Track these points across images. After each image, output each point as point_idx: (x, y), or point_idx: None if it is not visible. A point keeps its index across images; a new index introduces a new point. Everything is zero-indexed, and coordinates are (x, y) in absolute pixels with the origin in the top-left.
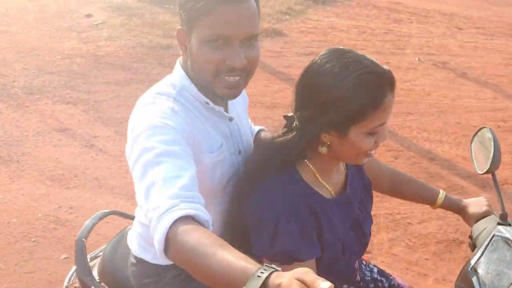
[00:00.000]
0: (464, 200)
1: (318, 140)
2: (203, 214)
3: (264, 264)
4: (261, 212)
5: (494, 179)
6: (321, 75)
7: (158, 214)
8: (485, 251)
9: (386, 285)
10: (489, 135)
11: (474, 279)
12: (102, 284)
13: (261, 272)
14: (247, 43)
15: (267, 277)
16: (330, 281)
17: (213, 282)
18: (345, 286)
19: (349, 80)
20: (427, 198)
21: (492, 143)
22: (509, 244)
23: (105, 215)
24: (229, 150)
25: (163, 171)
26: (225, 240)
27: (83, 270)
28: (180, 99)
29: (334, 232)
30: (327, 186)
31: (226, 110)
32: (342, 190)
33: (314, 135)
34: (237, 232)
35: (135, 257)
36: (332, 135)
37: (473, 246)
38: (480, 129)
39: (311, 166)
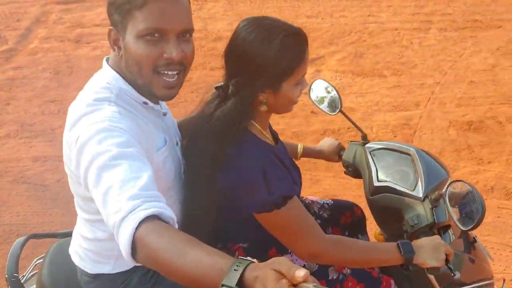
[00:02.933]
0: (316, 146)
1: (256, 100)
2: (168, 212)
3: (239, 257)
4: (246, 174)
5: (345, 115)
6: (249, 44)
7: (120, 217)
8: (376, 165)
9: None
10: (325, 84)
11: (390, 184)
12: None
13: (237, 266)
14: (183, 38)
15: (243, 270)
16: None
17: (188, 281)
18: None
19: (275, 44)
20: (291, 153)
21: (333, 89)
22: (384, 150)
23: (24, 242)
24: (170, 143)
25: (120, 174)
26: (189, 225)
27: None
28: (120, 102)
29: (292, 172)
30: (269, 137)
31: (160, 106)
32: (275, 139)
33: (252, 96)
34: (203, 215)
35: (90, 275)
36: (267, 93)
37: (355, 171)
38: (313, 82)
39: (256, 124)
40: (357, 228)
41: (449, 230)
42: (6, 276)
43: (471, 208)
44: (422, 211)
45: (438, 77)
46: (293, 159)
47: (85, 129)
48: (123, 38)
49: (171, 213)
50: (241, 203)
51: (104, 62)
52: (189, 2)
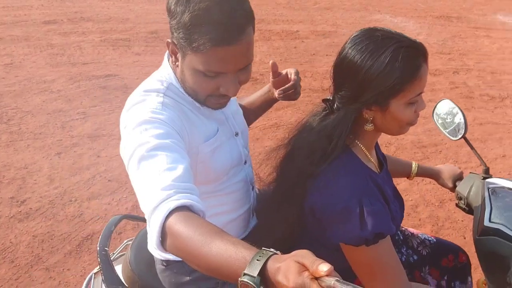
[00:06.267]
0: (434, 167)
1: (361, 118)
2: (198, 204)
3: (262, 248)
4: (341, 200)
5: (467, 142)
6: (356, 55)
7: (152, 206)
8: (492, 204)
9: (401, 237)
10: (451, 105)
11: (501, 227)
12: None
13: (260, 256)
14: (241, 70)
15: (266, 261)
16: None
17: (212, 270)
18: None
19: (384, 56)
20: (403, 171)
21: (459, 111)
22: (505, 190)
23: (119, 220)
24: (226, 134)
25: (156, 164)
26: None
27: (112, 280)
28: (169, 93)
29: (393, 204)
30: (374, 162)
31: None
32: (381, 165)
33: (356, 112)
34: (281, 229)
35: (163, 261)
36: (374, 110)
37: (468, 205)
38: (439, 101)
39: (360, 144)
40: (458, 274)
41: None
42: (98, 248)
43: None
44: None
45: None
46: (407, 178)
47: (131, 119)
48: (182, 59)
49: (202, 206)
50: (328, 228)
51: (165, 57)
52: (253, 31)
